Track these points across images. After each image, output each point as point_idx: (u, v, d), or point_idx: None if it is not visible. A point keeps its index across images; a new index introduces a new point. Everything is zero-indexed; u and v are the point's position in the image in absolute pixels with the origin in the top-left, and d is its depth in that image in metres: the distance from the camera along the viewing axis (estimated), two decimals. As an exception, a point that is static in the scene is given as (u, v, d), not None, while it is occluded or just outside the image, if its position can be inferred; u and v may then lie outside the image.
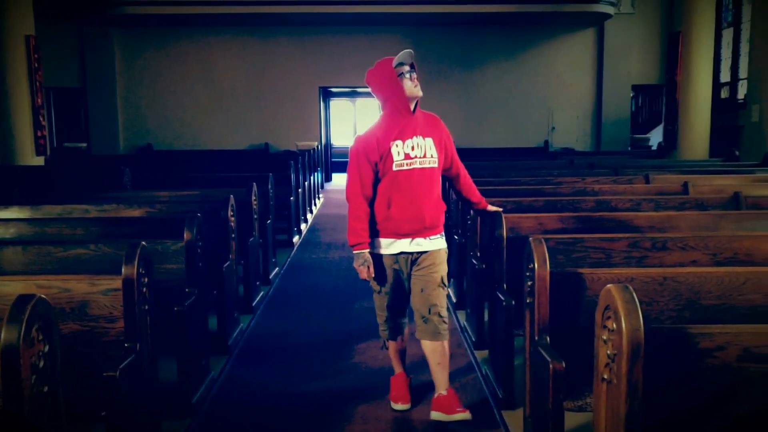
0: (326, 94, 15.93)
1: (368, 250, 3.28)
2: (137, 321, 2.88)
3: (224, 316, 4.54)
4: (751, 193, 5.80)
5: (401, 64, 3.25)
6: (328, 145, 16.38)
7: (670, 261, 3.78)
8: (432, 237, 3.33)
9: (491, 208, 3.83)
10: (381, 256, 3.33)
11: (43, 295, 2.05)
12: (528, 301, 3.00)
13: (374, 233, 3.32)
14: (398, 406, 3.56)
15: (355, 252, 3.31)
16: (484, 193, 5.54)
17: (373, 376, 4.02)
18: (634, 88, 14.30)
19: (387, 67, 3.25)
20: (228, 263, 4.69)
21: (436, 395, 3.36)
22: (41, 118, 9.91)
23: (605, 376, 2.03)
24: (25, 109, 9.58)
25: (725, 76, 12.39)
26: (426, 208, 3.27)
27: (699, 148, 11.12)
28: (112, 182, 7.60)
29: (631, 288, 1.96)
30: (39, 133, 9.89)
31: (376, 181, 3.28)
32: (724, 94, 12.38)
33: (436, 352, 3.33)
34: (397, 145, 3.22)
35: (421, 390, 3.76)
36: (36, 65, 9.67)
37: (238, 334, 4.83)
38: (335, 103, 17.92)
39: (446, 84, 13.75)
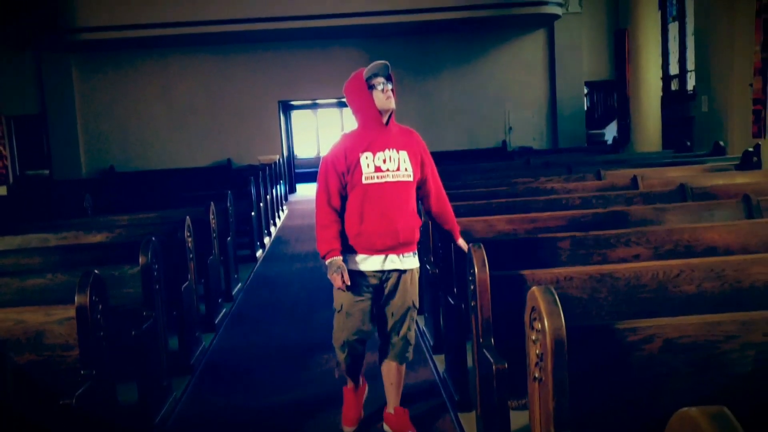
0: (286, 107, 15.99)
1: (341, 258, 3.14)
2: (93, 348, 2.93)
3: (185, 335, 4.59)
4: (698, 184, 6.02)
5: (375, 75, 3.18)
6: (290, 157, 16.42)
7: (614, 257, 3.92)
8: (405, 255, 3.22)
9: (461, 243, 3.54)
10: (352, 272, 3.17)
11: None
12: (472, 304, 3.10)
13: (346, 249, 3.18)
14: (347, 429, 3.50)
15: (327, 261, 3.16)
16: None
17: (338, 386, 4.09)
18: (588, 84, 14.61)
19: (358, 78, 3.18)
20: (187, 283, 4.74)
21: (387, 411, 3.44)
22: (2, 148, 9.82)
23: (536, 375, 2.14)
24: (-19, 139, 9.50)
25: (674, 69, 12.72)
26: (399, 222, 3.14)
27: (652, 140, 11.41)
28: (73, 208, 7.58)
29: (552, 289, 2.08)
30: (0, 163, 9.80)
31: (345, 193, 3.18)
32: (674, 86, 12.71)
33: (391, 373, 3.35)
34: (366, 157, 3.12)
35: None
36: (-10, 94, 9.60)
37: (201, 352, 4.88)
38: (297, 115, 17.98)
39: (403, 92, 13.84)
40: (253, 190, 8.59)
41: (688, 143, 10.10)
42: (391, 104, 3.18)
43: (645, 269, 3.11)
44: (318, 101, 16.41)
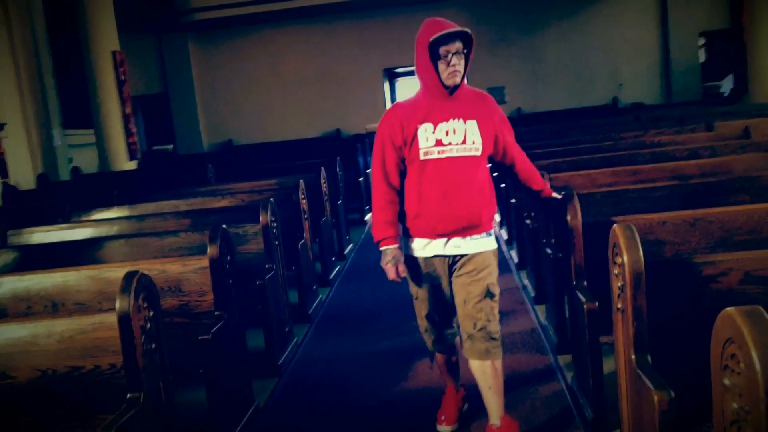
0: (391, 75, 16.24)
1: (396, 246, 2.85)
2: (224, 292, 3.34)
3: (303, 288, 5.01)
4: (815, 132, 5.77)
5: (442, 42, 2.66)
6: (397, 124, 16.70)
7: (714, 204, 3.93)
8: (473, 237, 2.81)
9: (554, 195, 3.21)
10: (414, 258, 2.88)
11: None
12: (568, 250, 3.27)
13: (406, 232, 2.89)
14: (442, 428, 3.15)
15: (381, 249, 2.86)
16: (542, 157, 5.80)
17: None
18: (704, 35, 13.87)
19: (421, 40, 2.73)
20: (303, 241, 5.15)
21: (491, 424, 2.90)
22: (131, 126, 10.70)
23: (619, 306, 2.31)
24: (116, 119, 10.38)
25: (798, 13, 11.87)
26: (464, 203, 2.74)
27: (771, 90, 10.79)
28: (197, 178, 8.24)
29: (632, 226, 2.23)
30: (130, 140, 10.69)
31: (404, 168, 2.84)
32: (799, 31, 11.88)
33: (486, 374, 2.83)
34: (425, 129, 2.74)
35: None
36: (123, 77, 10.44)
37: (318, 304, 5.30)
38: (402, 82, 18.22)
39: (509, 51, 13.79)
40: (360, 157, 8.95)
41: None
42: (456, 80, 2.71)
43: (739, 213, 3.15)
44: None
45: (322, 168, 6.37)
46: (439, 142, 2.73)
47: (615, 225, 2.27)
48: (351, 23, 14.35)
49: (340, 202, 7.07)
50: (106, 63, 10.23)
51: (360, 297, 5.50)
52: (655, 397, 1.97)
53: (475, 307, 2.79)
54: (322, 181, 6.27)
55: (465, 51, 2.73)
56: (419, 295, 2.95)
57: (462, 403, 3.25)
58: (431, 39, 2.66)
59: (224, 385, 3.20)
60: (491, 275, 2.83)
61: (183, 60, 14.86)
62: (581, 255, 3.14)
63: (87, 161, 11.46)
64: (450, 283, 2.88)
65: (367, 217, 8.91)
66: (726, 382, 1.41)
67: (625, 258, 2.18)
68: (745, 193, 3.94)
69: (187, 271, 3.44)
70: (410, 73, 18.11)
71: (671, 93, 13.31)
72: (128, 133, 10.69)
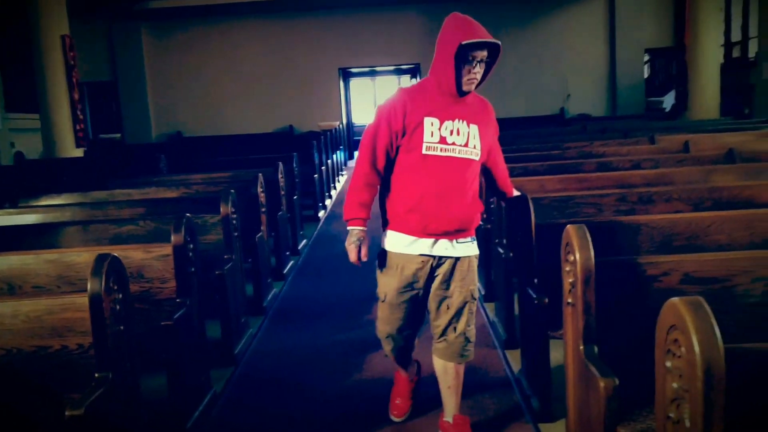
0: (346, 75, 16.35)
1: (364, 228, 2.78)
2: (187, 280, 3.40)
3: (259, 281, 5.07)
4: (749, 149, 6.14)
5: (476, 47, 2.60)
6: (349, 124, 16.84)
7: (655, 212, 4.18)
8: (460, 240, 2.76)
9: (516, 192, 3.29)
10: (394, 255, 2.78)
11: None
12: (518, 250, 3.44)
13: (389, 225, 2.81)
14: (394, 418, 3.22)
15: (348, 228, 2.80)
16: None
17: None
18: (649, 51, 14.47)
19: (451, 38, 2.60)
20: (260, 234, 5.21)
21: (443, 419, 3.01)
22: (79, 113, 10.51)
23: (569, 300, 2.49)
24: (64, 105, 10.18)
25: (736, 36, 12.52)
26: (459, 205, 2.70)
27: (710, 108, 11.33)
28: (149, 168, 8.18)
29: (585, 227, 2.41)
30: (78, 127, 10.49)
31: (392, 157, 2.74)
32: (736, 53, 12.53)
33: (448, 374, 2.89)
34: (432, 123, 2.65)
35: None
36: (72, 63, 10.24)
37: (272, 297, 5.37)
38: (355, 83, 18.33)
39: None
40: (315, 154, 9.03)
41: (746, 110, 10.05)
42: (472, 87, 2.69)
43: (680, 220, 3.38)
44: (376, 68, 16.71)
45: (280, 163, 6.44)
46: (443, 140, 2.66)
47: (569, 225, 2.44)
48: (309, 21, 14.40)
49: (295, 197, 7.14)
50: (54, 47, 10.02)
51: (314, 291, 5.59)
52: (601, 384, 2.14)
53: (458, 313, 2.78)
54: (280, 175, 6.33)
55: (488, 60, 2.68)
56: (390, 297, 2.81)
57: (413, 393, 3.28)
58: (464, 42, 2.55)
59: (184, 371, 3.26)
60: (474, 281, 2.82)
61: (135, 48, 14.64)
62: (532, 255, 3.32)
63: (30, 147, 11.21)
64: (428, 286, 2.79)
65: (321, 213, 9.00)
66: (668, 364, 1.58)
67: (577, 256, 2.35)
68: (684, 202, 4.20)
69: (149, 258, 3.48)
70: (365, 74, 18.25)
71: (616, 106, 13.84)
72: (76, 120, 10.49)
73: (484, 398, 3.43)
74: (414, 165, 2.68)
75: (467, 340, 2.82)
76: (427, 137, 2.65)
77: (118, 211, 5.19)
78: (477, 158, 2.74)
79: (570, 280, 2.46)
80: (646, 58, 14.82)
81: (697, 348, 1.46)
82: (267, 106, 14.81)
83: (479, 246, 5.59)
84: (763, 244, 3.32)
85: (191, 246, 3.52)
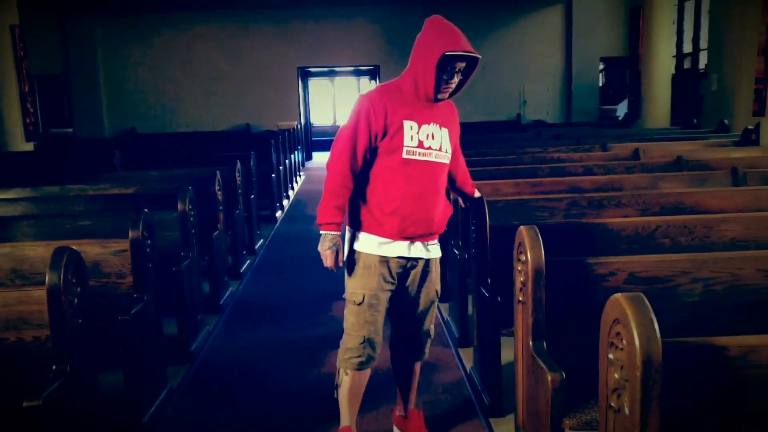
0: (305, 74, 16.34)
1: (339, 233, 2.71)
2: (144, 276, 3.39)
3: (216, 279, 5.07)
4: (696, 157, 6.37)
5: (457, 58, 2.59)
6: (307, 124, 16.82)
7: (606, 216, 4.33)
8: (431, 243, 2.81)
9: (477, 194, 3.38)
10: (371, 255, 2.71)
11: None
12: (472, 250, 3.53)
13: (367, 227, 2.72)
14: None
15: (322, 232, 2.71)
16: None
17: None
18: (605, 60, 14.85)
19: (433, 46, 2.58)
20: (217, 232, 5.20)
21: (397, 414, 3.09)
22: (29, 105, 10.27)
23: (520, 298, 2.58)
24: (13, 97, 9.93)
25: (688, 47, 12.93)
26: (435, 209, 2.71)
27: (661, 117, 11.69)
28: (102, 164, 8.05)
29: (536, 228, 2.50)
30: (28, 120, 10.26)
31: (369, 157, 2.68)
32: (687, 64, 12.93)
33: (406, 371, 2.99)
34: (411, 127, 2.64)
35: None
36: (22, 54, 10.01)
37: (229, 295, 5.36)
38: (315, 83, 18.32)
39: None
40: (273, 154, 9.02)
41: (695, 121, 10.39)
42: (446, 96, 2.69)
43: (628, 224, 3.52)
44: (336, 69, 16.74)
45: (237, 161, 6.43)
46: (421, 144, 2.65)
47: (521, 227, 2.53)
48: (267, 19, 14.37)
49: (252, 196, 7.13)
50: (3, 37, 9.77)
51: (271, 290, 5.61)
52: (549, 378, 2.23)
53: (425, 310, 2.85)
54: (237, 174, 6.32)
55: (465, 70, 2.67)
56: (368, 298, 2.71)
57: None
58: (446, 52, 2.53)
59: (140, 366, 3.26)
60: (438, 281, 2.89)
61: (88, 41, 14.38)
62: (485, 255, 3.41)
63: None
64: (398, 287, 2.78)
65: (278, 213, 8.99)
66: (611, 356, 1.67)
67: (529, 255, 2.45)
68: (633, 207, 4.36)
69: (106, 253, 3.47)
70: (324, 74, 18.27)
71: (571, 113, 14.15)
72: (25, 113, 10.25)
73: (437, 394, 3.51)
74: (393, 168, 2.64)
75: (428, 337, 2.90)
76: (407, 141, 2.63)
77: (72, 206, 5.13)
78: (448, 162, 2.77)
79: (521, 279, 2.56)
80: (601, 66, 15.21)
81: (637, 340, 1.55)
82: (224, 103, 14.72)
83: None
84: (701, 247, 3.48)
85: (149, 242, 3.51)
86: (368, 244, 2.71)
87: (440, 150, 2.70)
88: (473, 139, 9.67)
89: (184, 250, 4.35)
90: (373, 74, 16.17)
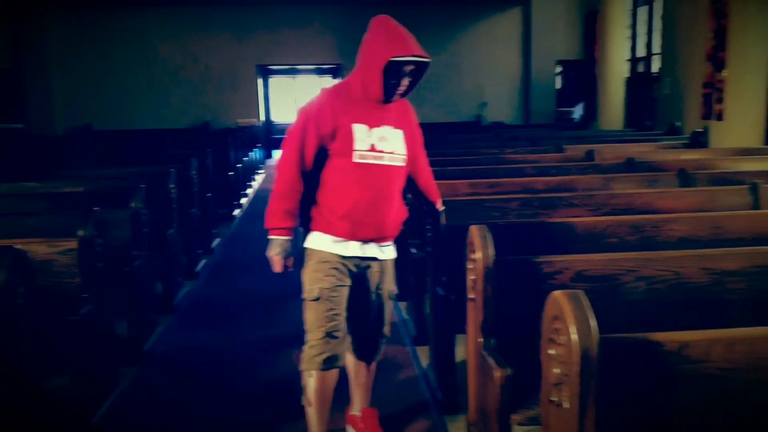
0: (265, 72, 16.23)
1: (289, 238, 2.69)
2: (94, 275, 3.34)
3: (169, 278, 5.01)
4: (647, 158, 6.53)
5: (405, 62, 2.54)
6: (268, 121, 16.72)
7: (557, 216, 4.41)
8: (384, 245, 2.78)
9: (440, 206, 3.27)
10: (324, 252, 2.68)
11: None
12: (428, 249, 3.57)
13: (319, 227, 2.69)
14: None
15: (270, 237, 2.70)
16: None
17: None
18: (563, 63, 15.08)
19: (380, 51, 2.51)
20: (171, 231, 5.14)
21: (351, 413, 3.08)
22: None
23: (471, 296, 2.62)
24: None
25: (641, 52, 13.21)
26: (388, 213, 2.69)
27: (616, 119, 11.94)
28: (55, 161, 7.89)
29: (486, 227, 2.54)
30: (-24, 115, 9.99)
31: (318, 162, 2.65)
32: (641, 68, 13.22)
33: (362, 372, 2.96)
34: (361, 130, 2.60)
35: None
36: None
37: (184, 295, 5.31)
38: (276, 81, 18.21)
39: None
40: (231, 151, 8.95)
41: (649, 123, 10.63)
42: (397, 98, 2.67)
43: (578, 224, 3.59)
44: (297, 67, 16.66)
45: (192, 159, 6.36)
46: (373, 147, 2.61)
47: (472, 226, 2.57)
48: (225, 16, 14.23)
49: (209, 195, 7.07)
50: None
51: (226, 290, 5.57)
52: (496, 375, 2.27)
53: (379, 314, 2.83)
54: (193, 172, 6.26)
55: (415, 69, 2.60)
56: (326, 293, 2.65)
57: None
58: (394, 58, 2.48)
59: (90, 367, 3.21)
60: (393, 281, 2.88)
61: (40, 34, 13.99)
62: (440, 255, 3.45)
63: None
64: (353, 288, 2.73)
65: (236, 212, 8.92)
66: (551, 352, 1.71)
67: (478, 254, 2.48)
68: (584, 207, 4.45)
69: (54, 252, 3.40)
70: (285, 72, 18.15)
71: (529, 115, 14.35)
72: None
73: (392, 393, 3.53)
74: (344, 172, 2.61)
75: (383, 338, 2.90)
76: (357, 145, 2.59)
77: (20, 205, 5.01)
78: (403, 164, 2.73)
79: (472, 277, 2.59)
80: (559, 69, 15.45)
81: (574, 336, 1.59)
82: (183, 100, 14.53)
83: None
84: (651, 246, 3.57)
85: (99, 241, 3.46)
86: (322, 241, 2.68)
87: (394, 153, 2.66)
88: (433, 139, 9.72)
89: (136, 250, 4.29)
90: (335, 72, 16.15)
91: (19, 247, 3.44)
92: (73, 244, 3.39)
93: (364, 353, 2.93)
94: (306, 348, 2.71)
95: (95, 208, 3.49)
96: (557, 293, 1.69)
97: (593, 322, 1.61)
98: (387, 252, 2.80)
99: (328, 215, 2.65)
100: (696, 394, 1.78)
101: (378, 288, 2.81)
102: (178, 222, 5.48)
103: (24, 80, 14.20)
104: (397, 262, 5.26)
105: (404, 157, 2.71)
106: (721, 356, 1.78)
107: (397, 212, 2.74)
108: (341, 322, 2.70)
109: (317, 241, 2.69)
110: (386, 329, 2.91)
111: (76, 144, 9.88)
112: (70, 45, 14.21)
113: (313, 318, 2.68)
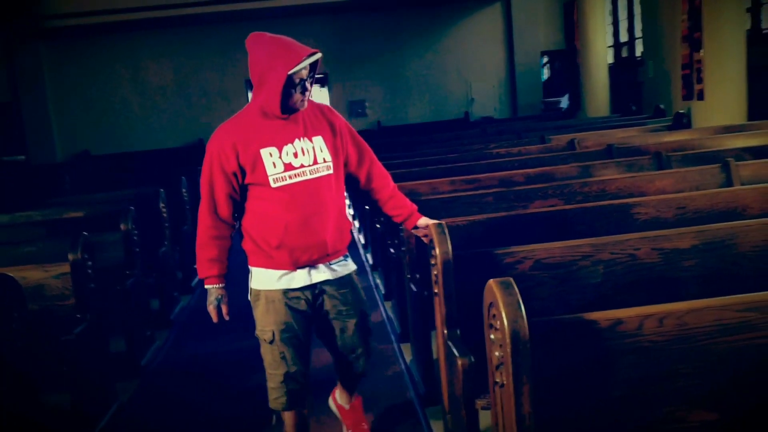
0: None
1: (220, 285, 2.67)
2: (86, 296, 3.50)
3: (165, 294, 5.17)
4: (630, 143, 6.64)
5: (299, 71, 2.43)
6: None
7: (533, 208, 4.54)
8: (334, 262, 2.64)
9: (427, 223, 2.82)
10: (269, 291, 2.59)
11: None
12: (402, 249, 3.72)
13: (258, 261, 2.60)
14: None
15: (206, 287, 2.68)
16: (393, 167, 6.30)
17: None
18: (548, 54, 15.21)
19: (275, 65, 2.42)
20: (164, 248, 5.30)
21: (338, 404, 3.07)
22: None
23: (435, 291, 2.76)
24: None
25: (624, 36, 13.33)
26: (327, 229, 2.54)
27: (602, 106, 12.05)
28: (53, 189, 8.08)
29: (444, 223, 2.69)
30: (-24, 149, 10.18)
31: (239, 197, 2.56)
32: (625, 53, 13.34)
33: (344, 396, 3.00)
34: (270, 154, 2.47)
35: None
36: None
37: (180, 310, 5.47)
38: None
39: (370, 68, 14.46)
40: (224, 166, 9.11)
41: (634, 108, 10.75)
42: (305, 105, 2.54)
43: (547, 213, 3.73)
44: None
45: (183, 177, 6.53)
46: (288, 166, 2.48)
47: (430, 224, 2.71)
48: (212, 35, 14.40)
49: (202, 211, 7.23)
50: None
51: (222, 302, 5.71)
52: (459, 363, 2.42)
53: (354, 336, 2.69)
54: (183, 190, 6.43)
55: (310, 68, 2.49)
56: (280, 334, 2.56)
57: None
58: (291, 71, 2.39)
59: (88, 384, 3.37)
60: (362, 297, 2.73)
61: (36, 67, 14.25)
62: (413, 252, 3.59)
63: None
64: (315, 315, 2.64)
65: (231, 225, 9.06)
66: (491, 337, 1.86)
67: (437, 250, 2.63)
68: (559, 197, 4.57)
69: (48, 277, 3.57)
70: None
71: (517, 108, 14.47)
72: (-26, 143, 10.18)
73: (377, 389, 3.67)
74: (266, 200, 2.50)
75: (367, 357, 2.78)
76: (270, 170, 2.47)
77: (18, 233, 5.18)
78: (332, 171, 2.57)
79: (435, 273, 2.74)
80: (546, 60, 15.57)
81: (506, 320, 1.74)
82: (176, 120, 14.72)
83: (376, 247, 5.86)
84: (617, 230, 3.69)
85: (90, 263, 3.62)
86: (266, 279, 2.59)
87: (315, 163, 2.52)
88: (419, 140, 9.90)
89: (129, 269, 4.45)
90: (323, 82, 16.31)
91: (13, 274, 3.61)
92: (65, 268, 3.55)
93: (344, 382, 2.92)
94: (268, 388, 2.65)
95: (84, 233, 3.63)
96: (491, 282, 1.84)
97: (522, 306, 1.75)
98: (341, 269, 2.65)
99: (265, 247, 2.55)
100: (631, 367, 1.91)
101: (341, 313, 2.65)
102: (171, 239, 5.64)
103: (23, 113, 14.45)
104: (381, 262, 5.46)
105: (330, 164, 2.56)
106: (652, 330, 1.92)
107: (338, 225, 2.60)
108: (300, 365, 2.60)
109: (262, 279, 2.61)
110: (368, 347, 2.76)
111: (74, 171, 10.06)
112: (64, 75, 14.44)
113: (269, 359, 2.62)
